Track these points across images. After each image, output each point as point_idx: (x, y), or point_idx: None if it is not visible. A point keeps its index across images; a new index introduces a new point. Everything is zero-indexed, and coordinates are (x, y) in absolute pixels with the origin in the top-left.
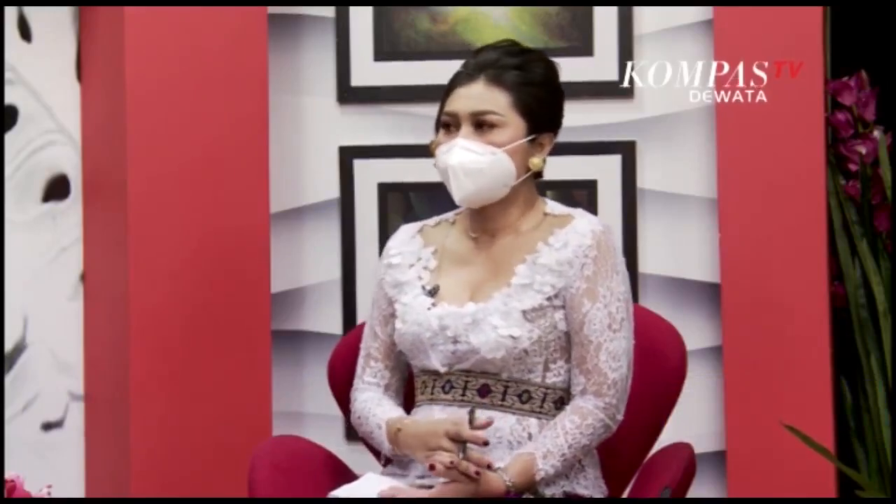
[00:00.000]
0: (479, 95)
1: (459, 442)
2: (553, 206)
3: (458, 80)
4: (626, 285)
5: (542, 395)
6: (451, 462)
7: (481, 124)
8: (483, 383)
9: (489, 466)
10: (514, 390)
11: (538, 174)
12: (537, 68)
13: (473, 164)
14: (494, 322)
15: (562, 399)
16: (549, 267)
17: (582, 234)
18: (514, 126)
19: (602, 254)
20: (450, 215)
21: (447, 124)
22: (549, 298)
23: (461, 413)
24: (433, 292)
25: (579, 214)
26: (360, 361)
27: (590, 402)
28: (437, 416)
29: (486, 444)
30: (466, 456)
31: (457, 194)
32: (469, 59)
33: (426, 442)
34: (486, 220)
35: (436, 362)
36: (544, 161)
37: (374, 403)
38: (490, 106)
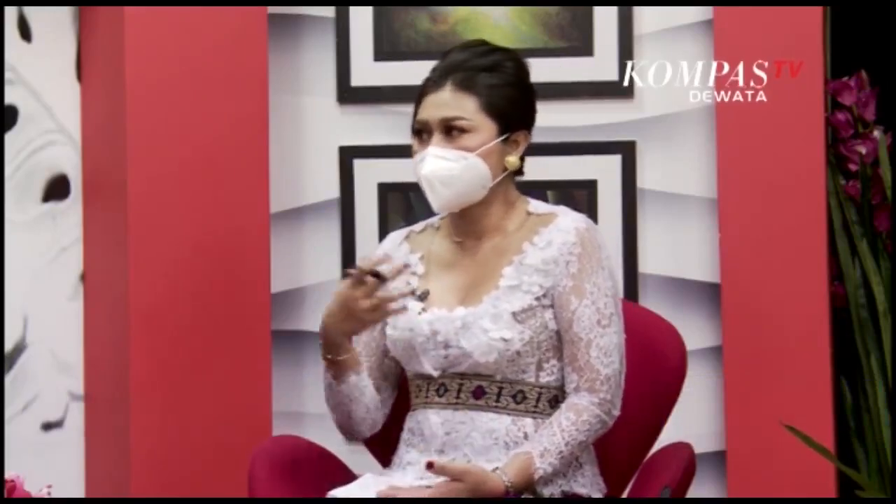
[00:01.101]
0: (447, 102)
1: (366, 275)
2: (536, 205)
3: (427, 87)
4: (612, 280)
5: (537, 394)
6: (435, 464)
7: (451, 129)
8: (477, 385)
9: (406, 265)
10: (508, 391)
11: (519, 172)
12: (507, 68)
13: (446, 171)
14: (485, 325)
15: (556, 398)
16: (536, 267)
17: (566, 231)
18: (484, 129)
19: (586, 250)
20: (435, 220)
21: (420, 132)
22: (537, 298)
23: (456, 416)
24: (423, 297)
25: (562, 212)
26: None
27: (584, 398)
28: (432, 420)
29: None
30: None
31: (434, 203)
32: (438, 62)
33: (349, 307)
34: (468, 224)
35: (428, 367)
36: (522, 159)
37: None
38: (458, 112)
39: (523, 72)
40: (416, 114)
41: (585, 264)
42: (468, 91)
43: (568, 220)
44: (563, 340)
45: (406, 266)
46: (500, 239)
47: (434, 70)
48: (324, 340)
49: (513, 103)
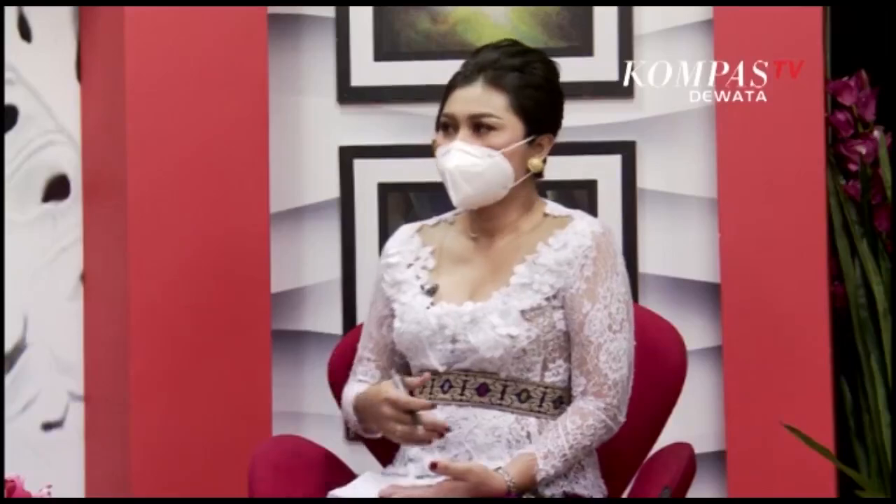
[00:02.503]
0: (477, 98)
1: (407, 412)
2: (553, 208)
3: (456, 82)
4: (626, 286)
5: (541, 394)
6: (439, 463)
7: (479, 126)
8: (482, 382)
9: (447, 429)
10: (512, 389)
11: (538, 175)
12: (537, 70)
13: (471, 167)
14: (493, 321)
15: (561, 398)
16: (549, 267)
17: (582, 234)
18: (511, 128)
19: (602, 255)
20: (449, 215)
21: (446, 125)
22: (547, 298)
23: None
24: (432, 291)
25: (579, 216)
26: (355, 361)
27: (591, 403)
28: (437, 416)
29: (433, 406)
30: (420, 422)
31: (455, 198)
32: (469, 59)
33: (375, 412)
34: (485, 221)
35: (434, 361)
36: (544, 162)
37: (353, 388)
38: (488, 108)
39: (553, 74)
40: (442, 107)
41: (600, 269)
42: (499, 89)
43: (584, 223)
44: (573, 343)
45: (433, 406)
46: (515, 238)
47: (465, 66)
48: (359, 423)
49: (541, 105)
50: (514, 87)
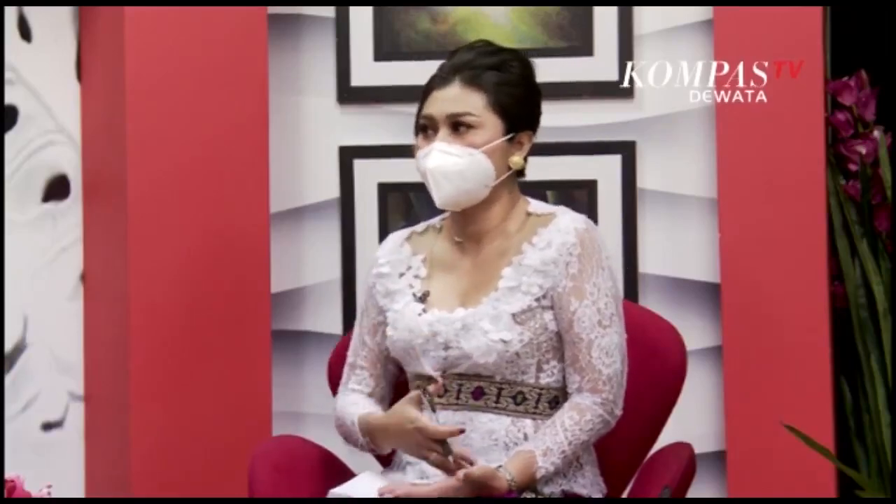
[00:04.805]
0: (455, 97)
1: (438, 441)
2: (536, 206)
3: (433, 84)
4: (613, 280)
5: (537, 395)
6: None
7: (458, 126)
8: (477, 386)
9: (472, 464)
10: (507, 392)
11: (520, 173)
12: (514, 68)
13: (451, 166)
14: (485, 327)
15: (556, 399)
16: (535, 268)
17: (565, 231)
18: (491, 126)
19: (586, 251)
20: (436, 221)
21: (425, 128)
22: (537, 299)
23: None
24: (423, 298)
25: (561, 212)
26: (346, 370)
27: (587, 398)
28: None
29: (462, 431)
30: (453, 454)
31: (437, 197)
32: (445, 61)
33: (404, 439)
34: (469, 224)
35: (428, 368)
36: (525, 159)
37: (350, 403)
38: (466, 107)
39: (529, 71)
40: (420, 109)
41: (585, 265)
42: (476, 88)
43: (567, 220)
44: (564, 341)
45: (462, 431)
46: (501, 241)
47: (441, 68)
48: (370, 443)
49: (519, 102)
50: (491, 86)
